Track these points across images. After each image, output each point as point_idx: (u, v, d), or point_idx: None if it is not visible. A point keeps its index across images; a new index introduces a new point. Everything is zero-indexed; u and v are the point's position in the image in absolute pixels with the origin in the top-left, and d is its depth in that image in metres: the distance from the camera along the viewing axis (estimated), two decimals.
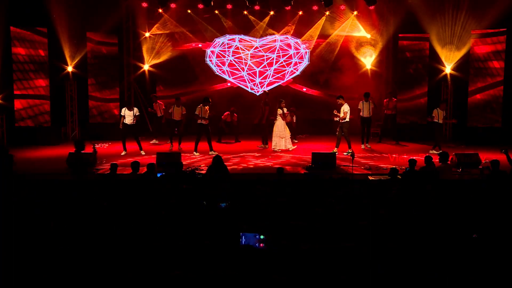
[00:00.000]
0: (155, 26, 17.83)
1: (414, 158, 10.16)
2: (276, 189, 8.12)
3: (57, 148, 15.52)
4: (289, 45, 18.09)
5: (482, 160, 12.06)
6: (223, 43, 18.05)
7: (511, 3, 15.40)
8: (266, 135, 15.23)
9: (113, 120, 16.97)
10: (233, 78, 18.25)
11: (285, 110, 14.81)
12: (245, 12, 17.74)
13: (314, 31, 17.95)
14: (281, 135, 14.73)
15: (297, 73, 18.21)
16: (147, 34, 17.90)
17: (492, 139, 15.32)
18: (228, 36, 18.03)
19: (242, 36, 18.07)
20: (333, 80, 18.02)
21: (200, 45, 18.12)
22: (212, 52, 18.04)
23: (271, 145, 14.89)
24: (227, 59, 18.08)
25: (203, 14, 17.75)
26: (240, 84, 18.26)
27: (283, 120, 14.70)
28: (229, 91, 18.38)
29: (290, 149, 14.69)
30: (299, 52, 18.09)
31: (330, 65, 18.15)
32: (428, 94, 17.06)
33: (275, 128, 14.73)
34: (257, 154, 14.26)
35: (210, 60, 18.12)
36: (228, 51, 18.08)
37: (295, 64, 18.16)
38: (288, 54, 18.09)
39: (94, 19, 16.87)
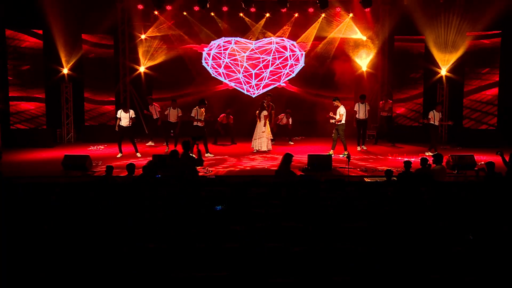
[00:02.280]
0: (151, 28, 17.81)
1: (409, 160, 10.18)
2: (271, 191, 8.11)
3: (52, 150, 15.48)
4: (284, 47, 17.89)
5: (478, 162, 12.09)
6: (219, 45, 17.86)
7: (506, 5, 15.48)
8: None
9: (109, 122, 16.94)
10: (229, 80, 18.06)
11: (264, 112, 14.82)
12: (241, 14, 17.71)
13: (310, 33, 17.94)
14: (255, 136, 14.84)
15: (293, 75, 17.97)
16: (142, 36, 17.86)
17: (488, 141, 15.38)
18: (224, 38, 17.89)
19: (238, 39, 17.93)
20: (329, 82, 18.04)
21: (195, 47, 18.12)
22: (208, 54, 17.85)
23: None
24: (223, 61, 17.87)
25: (199, 16, 17.72)
26: (236, 86, 18.09)
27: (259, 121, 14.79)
28: (225, 93, 18.32)
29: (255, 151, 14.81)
30: (295, 54, 17.90)
31: (326, 66, 18.14)
32: (424, 96, 17.11)
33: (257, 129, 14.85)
34: (251, 157, 14.29)
35: (206, 62, 17.88)
36: (224, 53, 17.90)
37: (291, 66, 17.94)
38: (284, 56, 17.91)
39: (90, 21, 16.85)
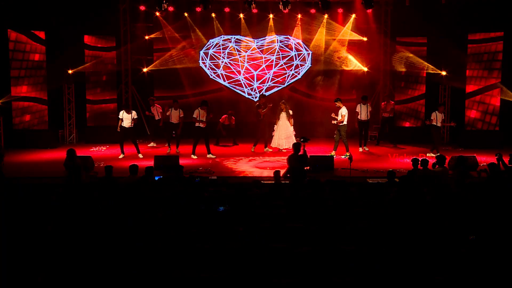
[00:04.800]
0: (153, 29, 17.80)
1: (417, 158, 10.13)
2: (273, 192, 8.12)
3: (54, 151, 15.49)
4: (290, 46, 17.27)
5: (480, 163, 12.08)
6: (217, 43, 17.21)
7: (509, 7, 15.45)
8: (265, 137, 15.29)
9: (111, 123, 16.96)
10: (228, 83, 17.40)
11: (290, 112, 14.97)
12: (243, 16, 17.56)
13: (312, 35, 17.86)
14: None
15: (299, 76, 17.43)
16: (145, 38, 17.86)
17: (489, 142, 15.36)
18: (223, 37, 17.27)
19: (239, 37, 17.31)
20: (331, 83, 18.03)
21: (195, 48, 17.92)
22: (206, 53, 17.20)
23: (270, 147, 15.16)
24: (222, 62, 17.22)
25: (201, 18, 17.65)
26: (236, 89, 17.54)
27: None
28: (226, 94, 18.22)
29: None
30: (301, 53, 17.26)
31: (328, 67, 18.09)
32: (426, 97, 17.10)
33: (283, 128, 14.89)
34: (252, 157, 14.30)
35: (203, 63, 17.29)
36: (223, 52, 17.26)
37: (297, 66, 17.31)
38: (289, 55, 17.29)
39: (92, 22, 16.85)
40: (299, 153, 10.41)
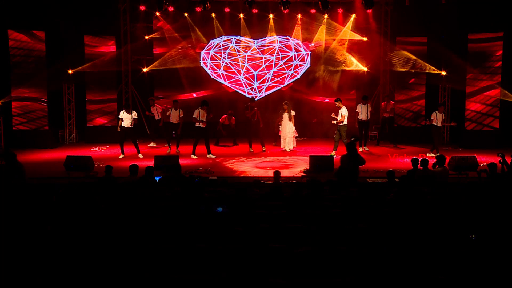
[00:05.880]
0: (153, 29, 17.81)
1: (416, 158, 10.14)
2: (273, 192, 8.11)
3: (54, 151, 15.50)
4: (289, 47, 17.44)
5: (480, 163, 12.07)
6: (218, 44, 17.41)
7: (508, 7, 15.45)
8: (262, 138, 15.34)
9: (111, 123, 16.96)
10: (229, 82, 17.56)
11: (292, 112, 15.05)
12: (243, 16, 17.60)
13: (312, 34, 17.88)
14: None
15: (298, 76, 17.56)
16: (146, 38, 17.86)
17: (489, 142, 15.36)
18: (224, 37, 17.44)
19: (239, 37, 17.48)
20: (331, 83, 18.02)
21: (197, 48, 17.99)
22: (207, 54, 17.40)
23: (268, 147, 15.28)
24: (222, 62, 17.41)
25: (200, 18, 17.66)
26: (237, 89, 17.70)
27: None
28: (227, 94, 18.23)
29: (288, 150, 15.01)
30: (300, 53, 17.42)
31: (328, 67, 18.09)
32: (426, 97, 17.10)
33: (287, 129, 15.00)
34: (253, 157, 14.31)
35: (204, 63, 17.46)
36: (223, 53, 17.46)
37: (296, 66, 17.46)
38: (289, 56, 17.46)
39: (92, 22, 16.86)
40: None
